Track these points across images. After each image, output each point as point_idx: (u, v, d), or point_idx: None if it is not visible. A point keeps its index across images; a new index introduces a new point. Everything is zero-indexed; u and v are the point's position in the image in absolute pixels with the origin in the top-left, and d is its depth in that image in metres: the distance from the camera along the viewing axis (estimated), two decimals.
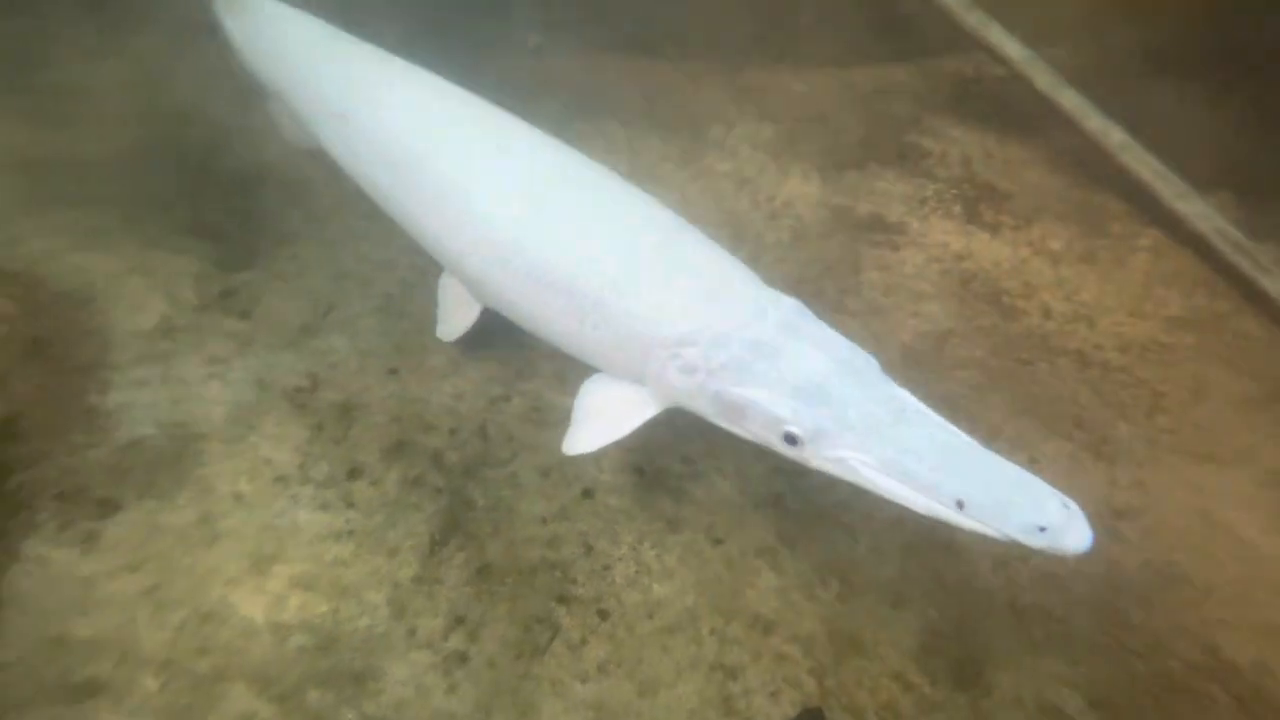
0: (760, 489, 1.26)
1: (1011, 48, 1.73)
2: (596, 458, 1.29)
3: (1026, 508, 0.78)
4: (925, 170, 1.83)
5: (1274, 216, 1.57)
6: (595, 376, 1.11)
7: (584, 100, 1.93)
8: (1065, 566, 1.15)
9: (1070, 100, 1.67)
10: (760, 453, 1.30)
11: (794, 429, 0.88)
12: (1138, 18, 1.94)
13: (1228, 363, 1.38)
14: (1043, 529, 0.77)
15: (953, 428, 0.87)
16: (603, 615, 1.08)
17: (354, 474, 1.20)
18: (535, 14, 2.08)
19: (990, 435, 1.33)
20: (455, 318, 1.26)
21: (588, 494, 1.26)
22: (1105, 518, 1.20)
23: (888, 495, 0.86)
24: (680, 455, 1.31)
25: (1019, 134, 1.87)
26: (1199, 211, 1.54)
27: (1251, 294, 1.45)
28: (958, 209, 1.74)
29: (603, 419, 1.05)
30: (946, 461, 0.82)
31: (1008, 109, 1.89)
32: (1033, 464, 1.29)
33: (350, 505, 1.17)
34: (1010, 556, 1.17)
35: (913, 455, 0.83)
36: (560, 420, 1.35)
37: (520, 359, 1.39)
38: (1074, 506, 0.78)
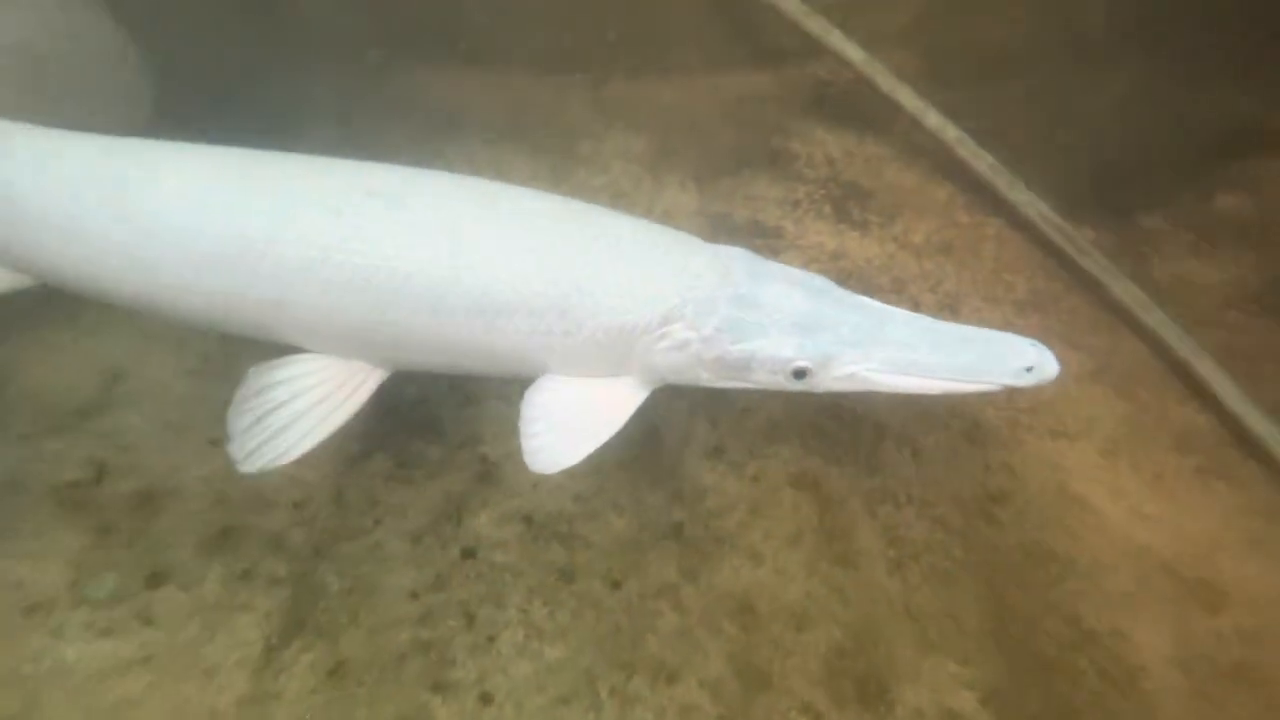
0: (659, 520, 1.19)
1: (852, 51, 1.80)
2: (473, 510, 1.16)
3: (1012, 357, 0.92)
4: (795, 173, 1.86)
5: (1086, 203, 1.72)
6: (547, 383, 0.99)
7: (439, 119, 1.79)
8: (952, 560, 1.17)
9: (909, 99, 1.75)
10: (655, 481, 1.24)
11: (803, 363, 0.93)
12: (966, 21, 2.07)
13: (1066, 340, 1.49)
14: (1030, 369, 0.91)
15: (922, 316, 0.98)
16: (486, 699, 0.95)
17: (156, 580, 0.99)
18: (372, 28, 1.89)
19: (878, 433, 1.35)
20: (332, 409, 0.99)
21: (468, 554, 1.12)
22: (983, 504, 1.24)
23: (901, 390, 0.94)
24: (572, 494, 1.21)
25: (874, 133, 1.95)
26: (1027, 200, 1.66)
27: (1077, 274, 1.59)
28: (828, 209, 1.78)
29: (585, 421, 0.98)
30: (937, 344, 0.93)
31: (861, 109, 1.97)
32: (916, 456, 1.32)
33: (148, 622, 0.95)
34: (904, 558, 1.17)
35: (909, 349, 0.92)
36: (433, 474, 1.21)
37: (378, 408, 1.22)
38: (1040, 344, 0.93)
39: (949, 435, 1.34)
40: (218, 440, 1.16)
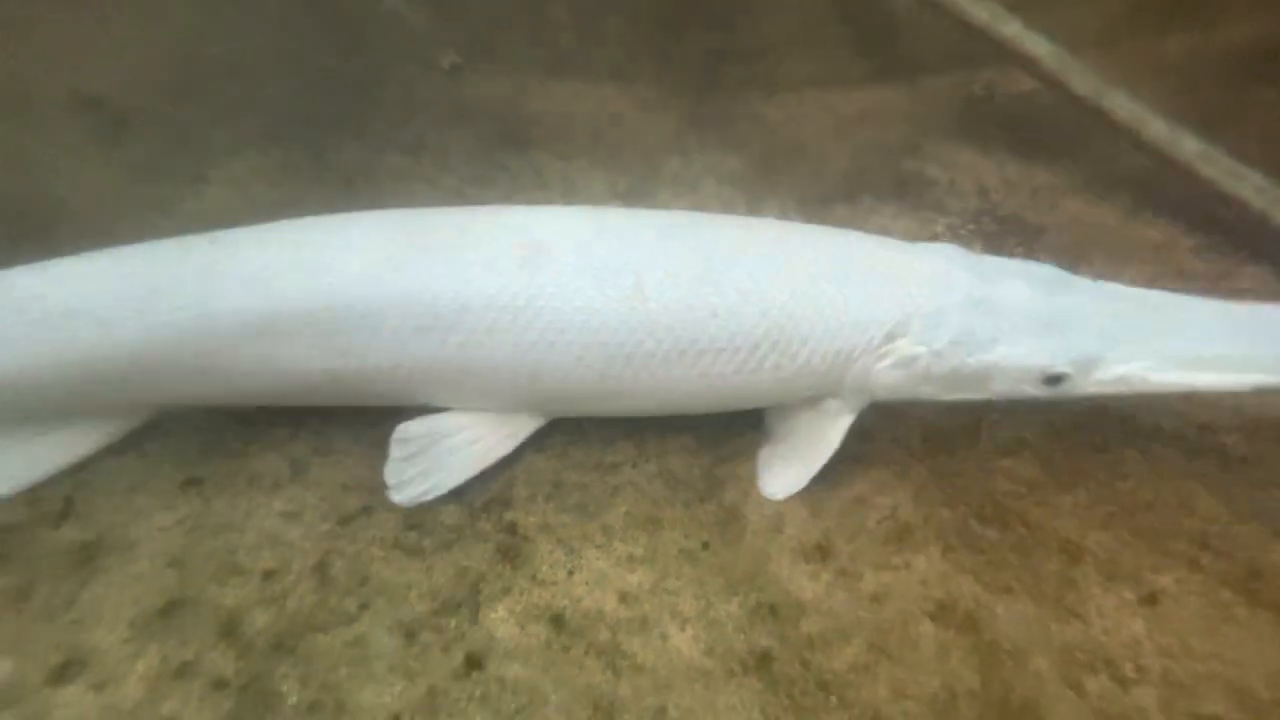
0: (736, 643, 0.84)
1: (1037, 45, 1.41)
2: (490, 598, 0.87)
3: None
4: (932, 202, 1.50)
5: None
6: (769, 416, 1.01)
7: (510, 129, 1.61)
8: None
9: (1120, 105, 1.33)
10: (731, 583, 0.89)
11: (1059, 369, 0.85)
12: (1198, 18, 1.63)
13: None
14: None
15: (1195, 297, 0.86)
16: None
17: (64, 674, 0.76)
18: (449, 28, 1.77)
19: (1070, 556, 0.92)
20: (488, 448, 0.98)
21: (475, 663, 0.83)
22: None
23: (1187, 389, 0.84)
24: (618, 590, 0.90)
25: (1046, 158, 1.55)
26: None
27: None
28: (978, 247, 1.40)
29: (799, 451, 0.98)
30: (1227, 329, 0.83)
31: (1029, 129, 1.58)
32: (1149, 604, 0.87)
33: None
34: None
35: (1192, 338, 0.83)
36: (447, 544, 0.92)
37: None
38: None
39: (1202, 577, 0.88)
40: (196, 480, 0.94)
